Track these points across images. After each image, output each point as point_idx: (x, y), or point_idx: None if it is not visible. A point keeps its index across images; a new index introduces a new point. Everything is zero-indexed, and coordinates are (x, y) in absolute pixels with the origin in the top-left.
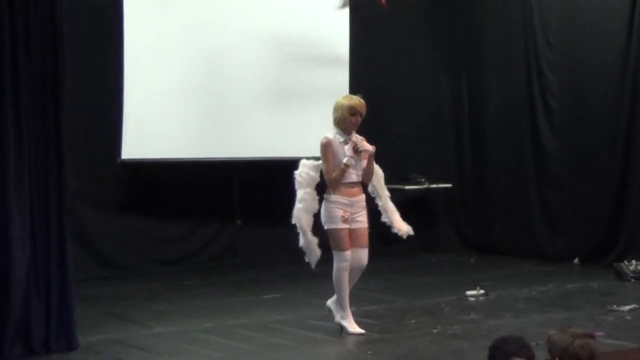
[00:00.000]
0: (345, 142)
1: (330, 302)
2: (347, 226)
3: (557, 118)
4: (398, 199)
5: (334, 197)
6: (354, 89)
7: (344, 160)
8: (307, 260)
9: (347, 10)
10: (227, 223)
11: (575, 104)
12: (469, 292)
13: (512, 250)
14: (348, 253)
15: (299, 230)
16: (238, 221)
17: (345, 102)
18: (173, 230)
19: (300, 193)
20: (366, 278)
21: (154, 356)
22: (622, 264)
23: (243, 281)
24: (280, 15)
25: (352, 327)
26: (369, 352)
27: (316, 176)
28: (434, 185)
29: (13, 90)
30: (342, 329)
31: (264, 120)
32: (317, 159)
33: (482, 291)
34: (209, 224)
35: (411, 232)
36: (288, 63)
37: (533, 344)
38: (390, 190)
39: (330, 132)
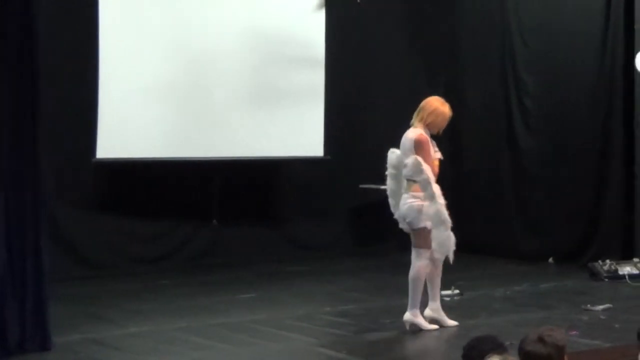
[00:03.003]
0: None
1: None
2: None
3: (533, 118)
4: (375, 199)
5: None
6: (330, 88)
7: (437, 155)
8: (444, 256)
9: (323, 11)
10: (205, 223)
11: (552, 103)
12: (444, 292)
13: (487, 250)
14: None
15: (447, 225)
16: (214, 221)
17: (447, 111)
18: (150, 230)
19: (437, 188)
20: (343, 277)
21: (131, 356)
22: (596, 264)
23: (220, 281)
24: (258, 15)
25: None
26: (345, 352)
27: None
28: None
29: None
30: (415, 326)
31: (241, 120)
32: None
33: (457, 291)
34: (186, 224)
35: None
36: (266, 63)
37: (507, 343)
38: (366, 190)
39: (417, 129)
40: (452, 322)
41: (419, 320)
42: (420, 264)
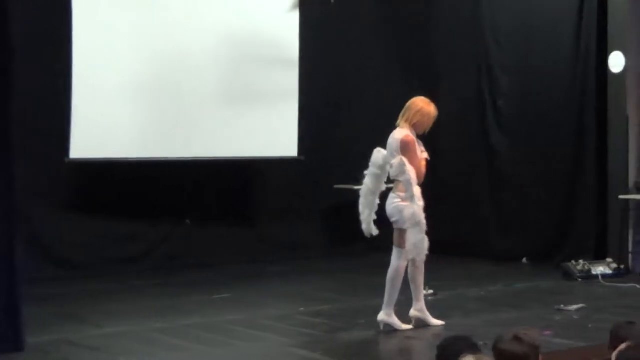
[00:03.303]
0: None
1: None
2: None
3: (507, 118)
4: (349, 199)
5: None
6: (304, 89)
7: (424, 156)
8: (417, 257)
9: (297, 11)
10: (178, 223)
11: (525, 104)
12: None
13: (461, 250)
14: None
15: (422, 228)
16: (187, 221)
17: (432, 111)
18: (124, 230)
19: (417, 190)
20: (316, 278)
21: (105, 356)
22: (569, 264)
23: (194, 281)
24: (232, 15)
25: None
26: (319, 352)
27: None
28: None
29: None
30: (389, 326)
31: (215, 120)
32: (275, 159)
33: (431, 291)
34: (160, 224)
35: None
36: (240, 63)
37: (481, 343)
38: (339, 190)
39: (403, 130)
40: (437, 322)
41: (393, 320)
42: (398, 264)
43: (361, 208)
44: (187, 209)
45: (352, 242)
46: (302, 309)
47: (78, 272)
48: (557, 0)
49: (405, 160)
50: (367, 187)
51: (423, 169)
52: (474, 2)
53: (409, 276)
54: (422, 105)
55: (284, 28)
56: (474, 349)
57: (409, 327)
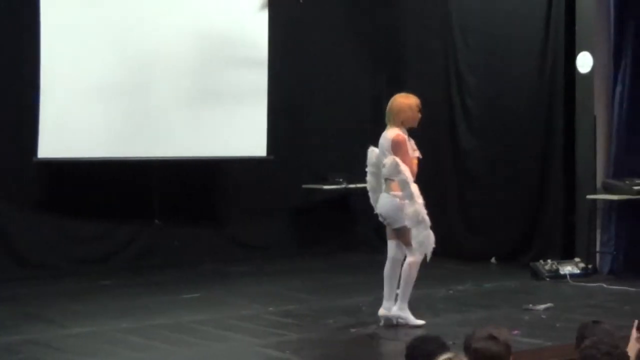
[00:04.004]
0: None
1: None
2: None
3: (475, 119)
4: (317, 199)
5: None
6: (273, 89)
7: (416, 154)
8: (424, 255)
9: (266, 11)
10: (147, 223)
11: (493, 104)
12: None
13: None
14: None
15: (426, 224)
16: (157, 221)
17: (412, 101)
18: (92, 230)
19: (415, 188)
20: (285, 278)
21: (72, 357)
22: (538, 264)
23: (162, 281)
24: (201, 15)
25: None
26: (287, 352)
27: None
28: (353, 185)
29: None
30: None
31: (184, 120)
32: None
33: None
34: (128, 224)
35: None
36: (209, 63)
37: (450, 343)
38: (309, 190)
39: (393, 129)
40: (418, 321)
41: (406, 314)
42: (410, 261)
43: (373, 203)
44: (155, 208)
45: (321, 241)
46: (271, 308)
47: (45, 272)
48: (526, 1)
49: (398, 159)
50: (370, 185)
51: (415, 168)
52: (442, 2)
53: (385, 272)
54: (401, 101)
55: (253, 28)
56: (443, 348)
57: (422, 322)
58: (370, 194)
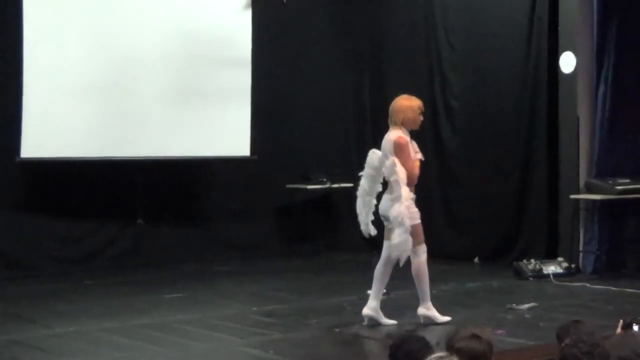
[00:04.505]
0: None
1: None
2: None
3: (459, 118)
4: (300, 199)
5: (411, 195)
6: (256, 88)
7: (418, 156)
8: (401, 258)
9: (250, 11)
10: (130, 222)
11: (476, 104)
12: (370, 292)
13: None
14: None
15: (406, 228)
16: (139, 220)
17: (413, 103)
18: (75, 230)
19: (406, 191)
20: (269, 277)
21: (55, 357)
22: (521, 263)
23: (145, 281)
24: (184, 15)
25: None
26: (271, 352)
27: None
28: (336, 185)
29: None
30: (428, 319)
31: (167, 120)
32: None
33: (383, 290)
34: (111, 223)
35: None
36: (192, 63)
37: (434, 343)
38: (292, 189)
39: (395, 131)
40: (389, 321)
41: (433, 313)
42: (418, 260)
43: (358, 209)
44: (139, 208)
45: (304, 241)
46: (254, 308)
47: (28, 272)
48: (509, 1)
49: (396, 161)
50: (363, 188)
51: (417, 170)
52: (426, 2)
53: (376, 272)
54: (402, 102)
55: (237, 27)
56: (427, 347)
57: (448, 318)
58: (358, 199)
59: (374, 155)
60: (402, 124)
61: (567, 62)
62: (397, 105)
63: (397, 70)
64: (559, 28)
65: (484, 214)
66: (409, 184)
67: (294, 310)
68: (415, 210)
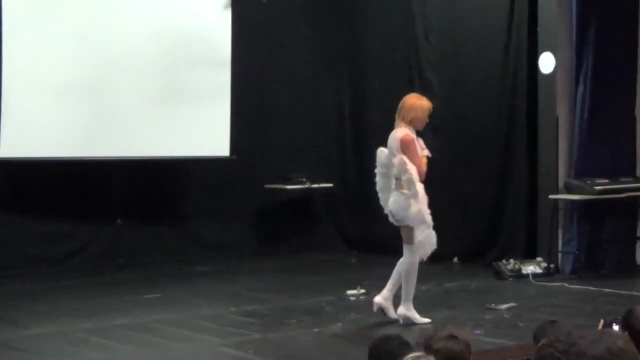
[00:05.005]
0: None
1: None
2: None
3: (437, 118)
4: (280, 199)
5: (420, 194)
6: (236, 88)
7: (425, 153)
8: (424, 255)
9: (229, 11)
10: (108, 222)
11: (456, 104)
12: (349, 292)
13: (393, 250)
14: None
15: (428, 224)
16: (118, 220)
17: (424, 103)
18: (53, 230)
19: (420, 187)
20: (247, 278)
21: (33, 357)
22: (500, 263)
23: (125, 281)
24: (164, 14)
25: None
26: (250, 352)
27: None
28: (316, 185)
29: None
30: (407, 319)
31: (146, 120)
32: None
33: (362, 290)
34: (90, 223)
35: None
36: (172, 63)
37: (414, 342)
38: (272, 190)
39: (402, 129)
40: (396, 315)
41: (412, 313)
42: (409, 260)
43: (382, 203)
44: (117, 208)
45: (283, 241)
46: (233, 308)
47: (6, 272)
48: (488, 1)
49: (406, 159)
50: (379, 186)
51: (424, 167)
52: (406, 2)
53: (402, 273)
54: (413, 101)
55: (216, 28)
56: (406, 347)
57: (428, 320)
58: (379, 194)
59: (381, 153)
60: (411, 122)
61: (546, 62)
62: (409, 103)
63: (376, 69)
64: (538, 29)
65: (463, 214)
66: (422, 178)
67: (273, 310)
68: (414, 212)
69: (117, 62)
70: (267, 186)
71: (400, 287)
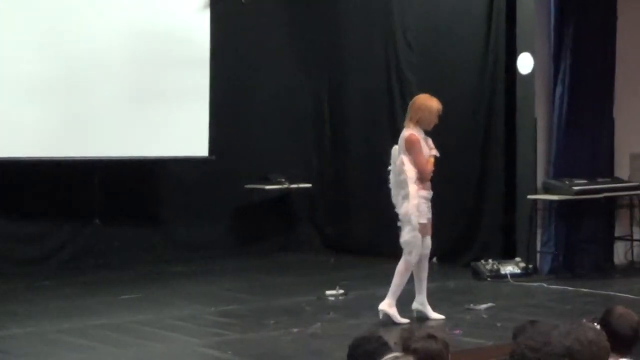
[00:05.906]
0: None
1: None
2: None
3: None
4: (259, 199)
5: (422, 192)
6: (215, 89)
7: (433, 153)
8: (413, 257)
9: (208, 11)
10: (87, 223)
11: None
12: (328, 292)
13: (371, 250)
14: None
15: (413, 226)
16: (97, 220)
17: (434, 105)
18: (31, 230)
19: (414, 189)
20: (226, 277)
21: (11, 358)
22: (479, 263)
23: (102, 281)
24: (142, 14)
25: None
26: (229, 352)
27: None
28: (294, 185)
29: None
30: (387, 317)
31: (125, 119)
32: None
33: (341, 291)
34: (67, 224)
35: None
36: (150, 63)
37: (392, 343)
38: (250, 190)
39: (408, 129)
40: (436, 315)
41: (393, 311)
42: (403, 259)
43: (393, 200)
44: (95, 208)
45: (262, 241)
46: (212, 308)
47: None
48: (467, 1)
49: (405, 159)
50: (392, 182)
51: (430, 166)
52: (385, 2)
53: (414, 271)
54: (422, 101)
55: (195, 27)
56: (385, 347)
57: (407, 320)
58: (392, 191)
59: (394, 151)
60: (417, 122)
61: (525, 63)
62: (418, 104)
63: (355, 69)
64: (517, 29)
65: (441, 214)
66: (421, 181)
67: (252, 310)
68: (423, 209)
69: (95, 62)
70: (246, 186)
71: (403, 289)
